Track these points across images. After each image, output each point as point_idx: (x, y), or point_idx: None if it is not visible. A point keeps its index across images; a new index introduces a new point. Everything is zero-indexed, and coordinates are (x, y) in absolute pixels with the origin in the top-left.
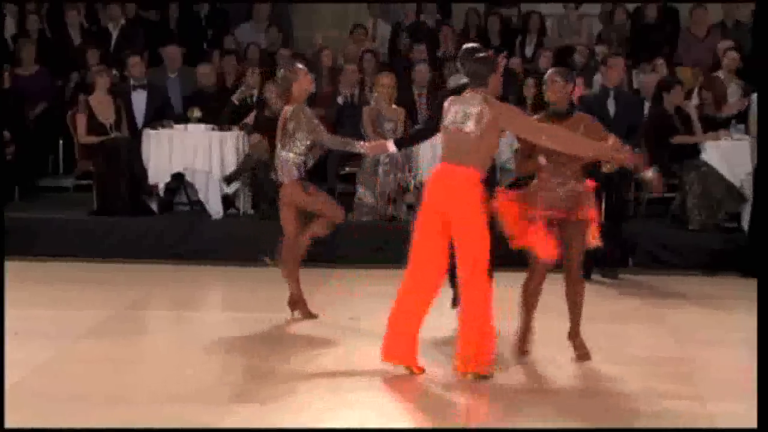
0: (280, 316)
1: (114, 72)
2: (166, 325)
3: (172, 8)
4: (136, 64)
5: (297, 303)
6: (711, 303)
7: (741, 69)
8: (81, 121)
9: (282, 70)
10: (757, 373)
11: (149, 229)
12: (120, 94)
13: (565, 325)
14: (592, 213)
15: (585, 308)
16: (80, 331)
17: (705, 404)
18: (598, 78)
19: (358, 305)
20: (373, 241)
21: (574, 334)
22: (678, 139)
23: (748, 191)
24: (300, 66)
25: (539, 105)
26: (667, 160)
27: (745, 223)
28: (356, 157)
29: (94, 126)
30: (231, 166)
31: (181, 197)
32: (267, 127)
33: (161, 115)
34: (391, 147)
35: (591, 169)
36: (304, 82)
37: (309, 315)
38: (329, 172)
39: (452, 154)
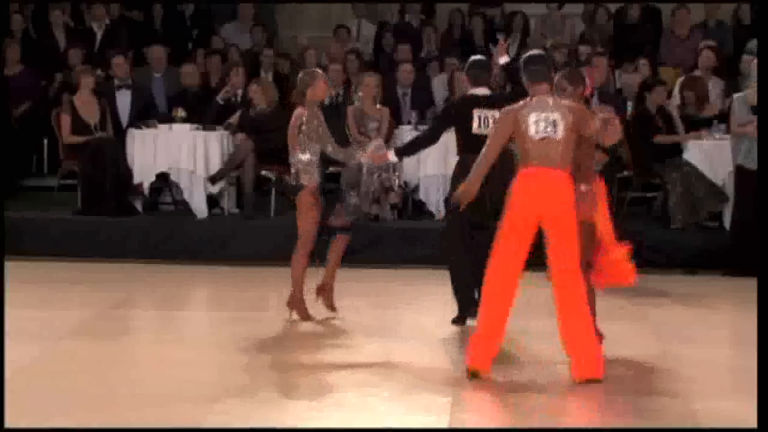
0: (265, 315)
1: (98, 72)
2: (151, 325)
3: (157, 8)
4: (120, 64)
5: (297, 303)
6: (693, 301)
7: (720, 68)
8: (65, 120)
9: (301, 73)
10: (757, 373)
11: (134, 228)
12: (104, 93)
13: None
14: (592, 214)
15: None
16: (65, 330)
17: (689, 402)
18: None
19: (342, 305)
20: (357, 240)
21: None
22: (660, 139)
23: (730, 190)
24: (320, 72)
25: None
26: (650, 159)
27: (727, 222)
28: None
29: (79, 126)
30: (216, 166)
31: (165, 197)
32: (251, 127)
33: (146, 115)
34: (392, 156)
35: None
36: (319, 89)
37: (307, 317)
38: None
39: (542, 158)
